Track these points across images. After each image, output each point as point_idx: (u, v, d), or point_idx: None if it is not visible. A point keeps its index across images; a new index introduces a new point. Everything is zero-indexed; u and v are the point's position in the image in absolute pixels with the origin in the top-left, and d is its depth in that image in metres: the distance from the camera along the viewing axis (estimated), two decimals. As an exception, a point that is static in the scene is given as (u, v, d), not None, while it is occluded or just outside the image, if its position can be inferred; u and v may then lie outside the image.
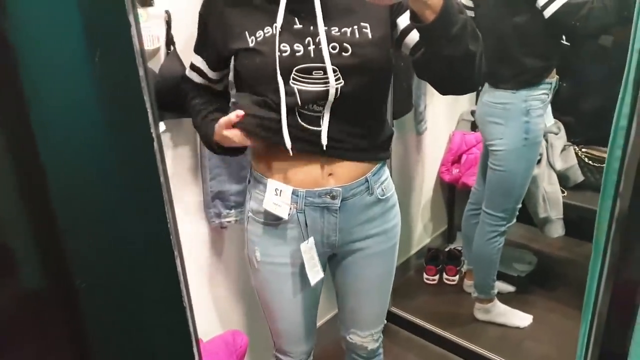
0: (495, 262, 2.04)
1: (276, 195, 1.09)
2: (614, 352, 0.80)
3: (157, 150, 0.50)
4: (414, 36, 1.05)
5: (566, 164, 2.31)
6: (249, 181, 1.20)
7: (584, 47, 1.82)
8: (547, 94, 1.80)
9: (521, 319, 2.13)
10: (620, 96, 0.74)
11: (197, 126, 1.18)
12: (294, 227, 1.12)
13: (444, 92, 1.10)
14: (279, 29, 1.01)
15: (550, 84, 1.80)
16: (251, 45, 1.03)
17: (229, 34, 1.07)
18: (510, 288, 2.31)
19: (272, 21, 1.02)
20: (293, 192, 1.09)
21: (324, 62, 1.00)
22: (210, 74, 1.18)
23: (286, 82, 1.01)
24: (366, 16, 1.03)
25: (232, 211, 1.51)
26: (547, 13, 1.60)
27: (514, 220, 1.97)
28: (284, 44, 1.01)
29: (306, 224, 1.11)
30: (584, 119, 2.31)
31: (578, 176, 2.35)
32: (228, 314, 1.69)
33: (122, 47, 0.42)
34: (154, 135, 0.50)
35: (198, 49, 1.17)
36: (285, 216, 1.09)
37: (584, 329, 0.86)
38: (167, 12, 1.27)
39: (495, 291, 2.12)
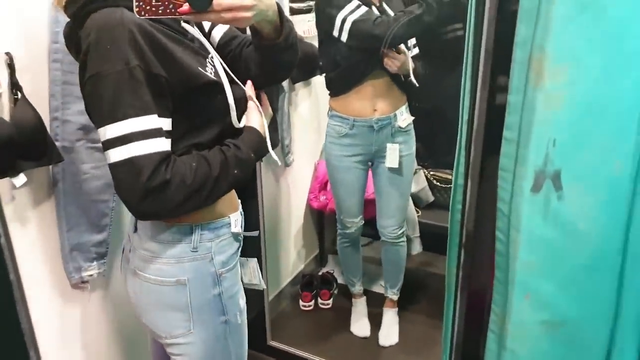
0: (345, 260, 2.33)
1: (235, 226, 1.10)
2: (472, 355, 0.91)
3: (1, 234, 0.48)
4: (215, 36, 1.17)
5: (418, 186, 2.55)
6: (196, 248, 1.04)
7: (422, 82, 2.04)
8: (342, 127, 1.97)
9: (357, 328, 2.33)
10: (456, 156, 0.86)
11: (227, 169, 0.98)
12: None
13: (269, 83, 1.22)
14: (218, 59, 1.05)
15: (347, 119, 1.96)
16: (214, 78, 1.00)
17: (185, 71, 0.95)
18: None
19: (202, 55, 1.03)
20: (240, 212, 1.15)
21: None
22: (170, 125, 0.95)
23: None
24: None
25: (94, 263, 1.42)
26: (343, 38, 1.79)
27: (347, 227, 2.19)
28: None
29: None
30: (428, 145, 2.56)
31: (429, 196, 2.61)
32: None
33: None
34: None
35: (144, 107, 0.89)
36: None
37: (445, 337, 0.96)
38: (8, 54, 1.19)
39: (355, 289, 2.37)
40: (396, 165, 1.99)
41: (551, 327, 0.73)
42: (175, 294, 1.03)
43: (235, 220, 1.11)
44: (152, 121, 0.89)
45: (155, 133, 0.89)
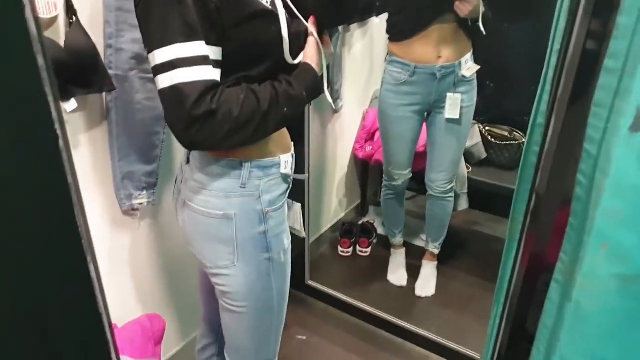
0: (388, 212, 2.30)
1: (285, 168, 1.09)
2: (524, 331, 0.87)
3: (60, 136, 0.46)
4: None
5: (471, 142, 2.46)
6: (244, 185, 1.03)
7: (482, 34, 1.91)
8: (401, 74, 1.88)
9: (395, 277, 2.33)
10: (538, 93, 0.78)
11: (276, 106, 0.96)
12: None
13: (331, 25, 1.19)
14: None
15: (408, 66, 1.85)
16: (270, 7, 0.96)
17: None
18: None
19: None
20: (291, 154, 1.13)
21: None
22: (220, 55, 0.93)
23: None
24: None
25: (144, 192, 1.44)
26: None
27: (394, 179, 2.15)
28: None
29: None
30: (486, 99, 2.45)
31: (482, 153, 2.52)
32: (144, 297, 1.63)
33: (12, 14, 0.37)
34: (54, 116, 0.46)
35: (190, 33, 0.86)
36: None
37: (496, 309, 0.93)
38: (65, -24, 1.17)
39: (395, 240, 2.36)
40: (457, 116, 1.89)
41: (625, 282, 0.68)
42: (222, 227, 1.04)
43: (286, 161, 1.09)
44: (199, 48, 0.86)
45: (202, 61, 0.86)
